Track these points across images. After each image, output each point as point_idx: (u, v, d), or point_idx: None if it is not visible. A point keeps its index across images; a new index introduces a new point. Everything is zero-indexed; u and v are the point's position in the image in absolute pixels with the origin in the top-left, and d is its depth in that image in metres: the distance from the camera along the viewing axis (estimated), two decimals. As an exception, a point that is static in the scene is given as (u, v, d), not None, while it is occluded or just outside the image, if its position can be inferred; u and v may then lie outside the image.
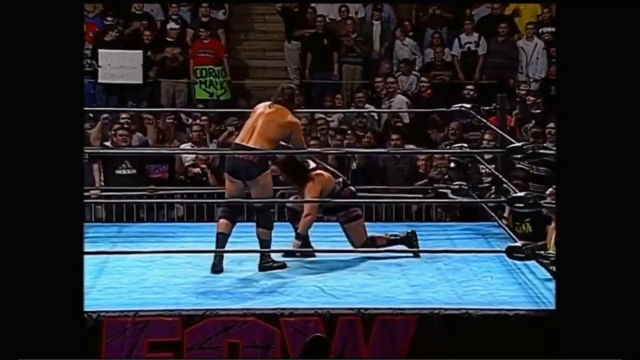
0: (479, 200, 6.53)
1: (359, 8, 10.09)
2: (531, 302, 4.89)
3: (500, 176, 6.31)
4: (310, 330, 4.56)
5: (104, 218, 7.18)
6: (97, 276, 5.31)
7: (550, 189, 5.29)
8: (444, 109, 7.46)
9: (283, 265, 5.45)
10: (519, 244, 5.15)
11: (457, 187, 6.69)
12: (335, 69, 9.62)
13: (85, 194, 7.11)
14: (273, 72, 9.84)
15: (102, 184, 7.39)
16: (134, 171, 7.33)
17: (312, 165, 5.72)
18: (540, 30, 9.57)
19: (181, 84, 9.53)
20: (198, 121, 8.26)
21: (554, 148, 5.26)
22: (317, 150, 7.60)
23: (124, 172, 7.32)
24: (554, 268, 4.93)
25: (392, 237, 5.79)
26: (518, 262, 5.36)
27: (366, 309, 4.71)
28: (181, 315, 4.66)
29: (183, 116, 8.73)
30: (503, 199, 5.70)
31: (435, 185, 7.06)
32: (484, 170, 6.94)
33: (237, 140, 5.42)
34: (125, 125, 7.77)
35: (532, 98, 8.72)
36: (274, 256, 5.51)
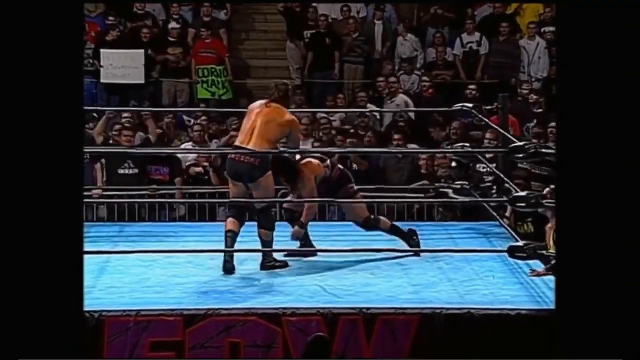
0: (481, 199, 6.53)
1: (361, 8, 10.09)
2: (533, 302, 4.88)
3: (502, 176, 6.30)
4: (312, 330, 4.55)
5: (106, 218, 7.18)
6: (98, 276, 5.31)
7: (548, 189, 5.28)
8: (446, 109, 7.46)
9: (285, 265, 5.46)
10: (520, 243, 5.15)
11: (459, 186, 6.69)
12: (336, 68, 9.62)
13: (87, 193, 7.13)
14: (275, 71, 9.84)
15: (104, 183, 7.39)
16: (136, 171, 7.34)
17: (297, 156, 5.71)
18: (542, 30, 9.56)
19: (183, 83, 9.54)
20: (199, 121, 8.26)
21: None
22: (318, 150, 7.61)
23: (127, 171, 7.32)
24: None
25: (395, 228, 5.76)
26: (520, 262, 5.35)
27: (368, 309, 4.71)
28: (183, 315, 4.66)
29: (185, 117, 8.73)
30: (505, 198, 5.69)
31: (437, 184, 7.06)
32: (485, 170, 6.93)
33: (237, 143, 5.39)
34: (127, 125, 7.77)
35: (534, 97, 8.72)
36: (276, 256, 5.51)
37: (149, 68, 9.24)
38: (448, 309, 4.72)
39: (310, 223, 5.80)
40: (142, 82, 9.16)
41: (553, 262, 4.92)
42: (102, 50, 9.20)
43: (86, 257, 5.41)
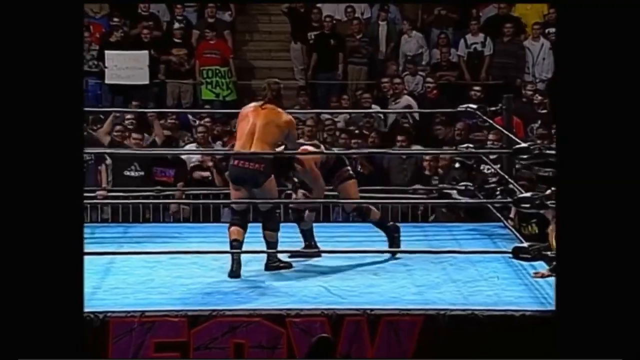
0: (484, 200, 6.52)
1: (365, 8, 10.09)
2: (537, 303, 4.88)
3: (506, 177, 6.30)
4: (316, 330, 4.56)
5: (110, 218, 7.19)
6: (103, 277, 5.32)
7: (549, 191, 5.28)
8: (450, 110, 7.45)
9: (289, 266, 5.46)
10: (525, 244, 5.14)
11: (463, 187, 6.68)
12: (340, 69, 9.62)
13: (92, 194, 7.15)
14: (279, 72, 9.81)
15: (109, 184, 7.40)
16: (142, 173, 7.34)
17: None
18: (546, 31, 9.56)
19: (187, 84, 9.54)
20: (203, 122, 8.26)
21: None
22: (320, 150, 7.61)
23: (132, 173, 7.33)
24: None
25: (383, 221, 5.76)
26: (524, 263, 5.35)
27: (372, 310, 4.71)
28: (187, 315, 4.67)
29: (190, 117, 8.73)
30: (509, 199, 5.69)
31: (440, 185, 7.06)
32: (489, 171, 6.93)
33: (238, 147, 5.33)
34: (130, 126, 7.78)
35: (539, 98, 8.71)
36: (280, 256, 5.51)
37: (153, 69, 9.24)
38: (452, 310, 4.72)
39: (315, 224, 5.81)
40: (147, 82, 9.17)
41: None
42: (106, 51, 9.21)
43: (90, 258, 5.48)
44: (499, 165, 6.64)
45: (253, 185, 5.29)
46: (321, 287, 5.15)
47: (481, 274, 5.42)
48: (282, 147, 5.46)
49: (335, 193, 5.78)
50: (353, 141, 7.92)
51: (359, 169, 7.58)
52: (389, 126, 8.80)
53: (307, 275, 5.41)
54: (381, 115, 8.83)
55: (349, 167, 5.78)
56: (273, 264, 5.40)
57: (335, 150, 6.53)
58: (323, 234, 5.92)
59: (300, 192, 5.73)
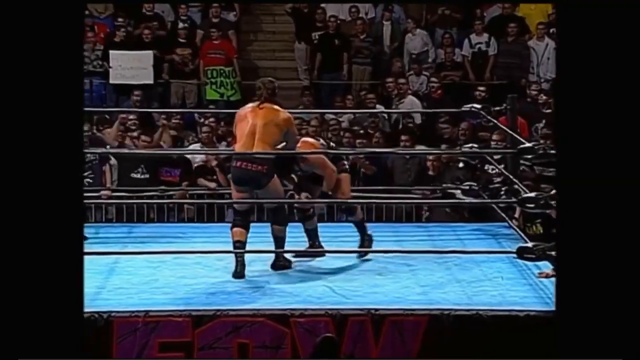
0: (489, 200, 6.52)
1: (369, 8, 10.08)
2: (541, 303, 4.87)
3: (511, 177, 6.29)
4: (320, 330, 4.56)
5: (115, 218, 7.20)
6: (107, 277, 5.32)
7: (553, 191, 5.27)
8: (454, 110, 7.44)
9: (289, 264, 5.44)
10: (529, 244, 5.13)
11: (467, 187, 6.68)
12: (344, 69, 9.62)
13: (96, 194, 7.16)
14: (283, 72, 9.84)
15: (114, 184, 7.41)
16: (148, 175, 7.33)
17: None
18: (551, 30, 9.54)
19: (191, 84, 9.55)
20: (207, 122, 8.27)
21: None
22: (324, 150, 7.60)
23: (139, 176, 7.34)
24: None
25: (363, 223, 5.77)
26: (529, 263, 5.34)
27: (376, 310, 4.71)
28: (191, 315, 4.67)
29: (197, 116, 8.72)
30: (514, 199, 5.68)
31: (444, 185, 7.05)
32: (494, 171, 6.92)
33: (240, 149, 5.30)
34: (133, 126, 7.78)
35: (543, 98, 8.70)
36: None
37: (157, 69, 9.25)
38: (456, 310, 4.72)
39: (319, 224, 5.80)
40: (151, 82, 9.18)
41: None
42: (110, 51, 9.22)
43: (94, 258, 5.49)
44: (503, 165, 6.63)
45: (256, 187, 5.29)
46: (325, 287, 5.14)
47: (485, 274, 5.41)
48: (282, 144, 5.43)
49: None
50: (358, 141, 7.91)
51: (362, 171, 7.58)
52: (391, 126, 8.78)
53: (312, 275, 5.41)
54: (385, 115, 8.82)
55: (345, 162, 5.78)
56: (280, 263, 5.38)
57: (341, 149, 6.52)
58: (327, 233, 5.91)
59: (304, 194, 5.72)
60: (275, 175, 5.34)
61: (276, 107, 5.37)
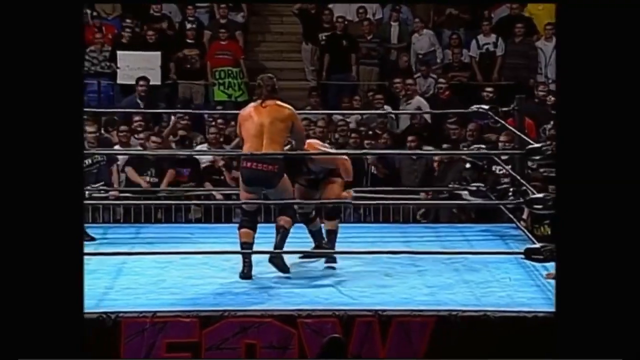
0: (497, 202, 6.51)
1: (377, 9, 10.08)
2: (550, 304, 4.84)
3: (519, 177, 6.28)
4: (327, 331, 4.56)
5: (122, 219, 7.21)
6: (115, 277, 5.34)
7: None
8: (462, 110, 7.43)
9: (286, 269, 5.34)
10: (537, 245, 5.12)
11: (474, 188, 6.67)
12: (353, 70, 9.62)
13: (104, 194, 7.17)
14: (290, 73, 9.84)
15: (121, 184, 7.42)
16: (157, 180, 7.33)
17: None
18: (558, 31, 9.50)
19: (198, 85, 9.56)
20: (215, 123, 8.28)
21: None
22: (332, 151, 7.59)
23: (148, 179, 7.33)
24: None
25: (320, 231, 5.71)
26: (536, 264, 5.33)
27: (383, 310, 4.71)
28: (199, 316, 4.68)
29: (206, 117, 8.73)
30: (521, 200, 5.67)
31: (451, 186, 7.04)
32: (501, 172, 6.91)
33: (250, 150, 5.25)
34: (139, 128, 7.78)
35: (552, 98, 8.67)
36: (290, 257, 5.50)
37: (163, 69, 9.26)
38: (464, 311, 4.71)
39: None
40: (159, 83, 9.20)
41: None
42: (118, 52, 9.24)
43: (102, 258, 5.50)
44: (510, 166, 6.62)
45: (268, 187, 5.26)
46: (332, 288, 5.15)
47: (493, 275, 5.40)
48: (288, 146, 5.41)
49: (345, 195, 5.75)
50: (366, 142, 7.90)
51: (372, 171, 7.56)
52: (404, 129, 8.74)
53: (318, 276, 5.41)
54: (393, 116, 8.82)
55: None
56: (277, 260, 5.30)
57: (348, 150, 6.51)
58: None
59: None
60: (286, 176, 5.32)
61: (279, 102, 5.35)
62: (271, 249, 5.44)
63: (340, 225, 5.71)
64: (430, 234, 6.50)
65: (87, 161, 7.20)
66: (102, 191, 6.95)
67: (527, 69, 9.44)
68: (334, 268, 5.48)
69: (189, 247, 5.92)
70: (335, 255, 5.62)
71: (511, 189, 6.52)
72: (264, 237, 5.50)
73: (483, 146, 7.00)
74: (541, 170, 5.99)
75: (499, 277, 5.38)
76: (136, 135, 7.89)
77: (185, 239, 6.27)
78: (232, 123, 8.31)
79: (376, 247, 5.86)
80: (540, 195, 5.30)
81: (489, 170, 7.08)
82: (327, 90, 9.58)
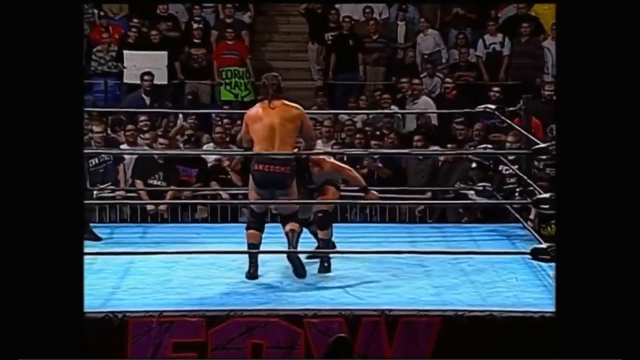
0: (504, 201, 6.50)
1: (383, 9, 10.08)
2: (556, 304, 4.85)
3: (526, 177, 6.27)
4: (333, 331, 4.56)
5: (129, 219, 7.22)
6: (122, 277, 5.35)
7: None
8: (469, 110, 7.43)
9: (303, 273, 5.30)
10: (543, 245, 5.11)
11: (480, 188, 6.66)
12: (360, 70, 9.61)
13: (111, 194, 7.19)
14: (296, 73, 9.85)
15: (127, 184, 7.43)
16: (165, 183, 7.31)
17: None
18: (565, 31, 9.48)
19: (204, 84, 9.57)
20: (221, 122, 8.28)
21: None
22: (338, 151, 7.61)
23: (156, 182, 7.33)
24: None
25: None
26: (543, 264, 5.32)
27: (390, 310, 4.71)
28: (205, 315, 4.68)
29: (214, 116, 8.74)
30: (528, 200, 5.66)
31: (457, 186, 7.03)
32: (508, 172, 6.90)
33: (261, 150, 5.19)
34: (144, 127, 7.79)
35: (559, 99, 8.64)
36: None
37: (169, 69, 9.27)
38: (470, 311, 4.71)
39: (333, 224, 5.78)
40: (165, 82, 9.21)
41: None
42: (124, 52, 9.26)
43: (109, 258, 5.51)
44: (517, 166, 6.61)
45: (281, 188, 5.22)
46: (339, 288, 5.15)
47: (500, 275, 5.40)
48: (295, 150, 5.39)
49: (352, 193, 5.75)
50: (372, 142, 7.89)
51: (376, 175, 7.55)
52: (411, 130, 8.72)
53: (325, 276, 5.41)
54: (400, 116, 8.81)
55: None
56: (297, 260, 5.24)
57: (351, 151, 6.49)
58: (341, 234, 5.91)
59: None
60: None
61: (286, 102, 5.31)
62: (277, 248, 5.43)
63: (346, 225, 5.70)
64: (437, 234, 6.49)
65: (94, 161, 7.23)
66: (108, 191, 6.96)
67: (534, 69, 9.43)
68: (327, 273, 5.44)
69: (195, 247, 5.93)
70: (335, 258, 5.56)
71: (518, 189, 6.50)
72: (271, 237, 5.51)
73: (489, 146, 6.98)
74: (548, 170, 5.98)
75: (506, 277, 5.37)
76: (142, 136, 7.89)
77: (191, 239, 6.27)
78: (239, 122, 8.36)
79: (382, 247, 5.86)
80: (547, 195, 5.28)
81: (495, 170, 7.07)
82: (334, 89, 9.58)
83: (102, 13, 9.94)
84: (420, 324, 4.66)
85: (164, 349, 4.64)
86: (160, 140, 7.54)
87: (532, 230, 5.94)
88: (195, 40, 9.63)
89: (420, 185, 7.48)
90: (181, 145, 7.86)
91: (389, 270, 5.52)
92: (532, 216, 6.27)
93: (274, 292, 5.11)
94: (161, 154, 7.36)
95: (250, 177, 5.31)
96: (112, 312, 4.65)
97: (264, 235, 5.38)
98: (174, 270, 5.49)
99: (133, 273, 5.43)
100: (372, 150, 7.61)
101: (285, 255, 5.44)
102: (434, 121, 8.77)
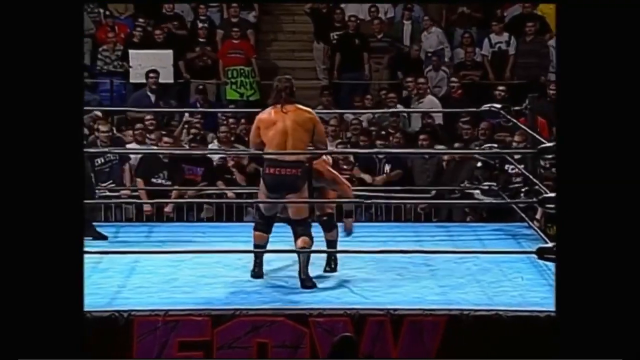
0: (510, 201, 6.49)
1: (389, 8, 10.08)
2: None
3: (531, 177, 6.26)
4: (339, 330, 4.56)
5: (134, 218, 7.23)
6: (128, 276, 5.35)
7: None
8: (474, 109, 7.42)
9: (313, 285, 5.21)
10: (550, 245, 5.10)
11: (486, 187, 6.65)
12: (366, 69, 9.61)
13: (116, 194, 7.19)
14: (302, 72, 9.85)
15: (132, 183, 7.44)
16: (169, 182, 7.31)
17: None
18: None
19: (210, 84, 9.57)
20: (226, 122, 8.29)
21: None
22: (345, 150, 7.61)
23: (160, 181, 7.32)
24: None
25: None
26: (549, 264, 5.31)
27: (395, 310, 4.70)
28: (211, 314, 4.69)
29: (220, 115, 8.75)
30: (534, 199, 5.65)
31: (463, 185, 7.02)
32: (514, 171, 6.89)
33: (273, 155, 5.13)
34: (150, 127, 7.81)
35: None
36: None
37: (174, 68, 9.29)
38: (476, 310, 4.70)
39: (338, 223, 5.78)
40: (171, 81, 9.22)
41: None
42: (130, 51, 9.27)
43: (115, 257, 5.52)
44: (523, 166, 6.60)
45: (291, 191, 5.16)
46: (344, 287, 5.14)
47: (505, 275, 5.39)
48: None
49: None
50: (378, 142, 7.89)
51: (386, 171, 7.53)
52: (418, 129, 8.71)
53: (330, 275, 5.40)
54: (405, 115, 8.81)
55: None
56: (309, 283, 5.13)
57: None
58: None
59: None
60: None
61: (299, 106, 5.25)
62: (282, 247, 5.43)
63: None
64: (442, 234, 6.49)
65: (100, 160, 7.25)
66: (113, 190, 6.97)
67: (540, 68, 9.42)
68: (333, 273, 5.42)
69: (201, 246, 5.93)
70: (340, 258, 5.54)
71: (524, 188, 6.49)
72: (277, 236, 5.50)
73: (495, 145, 6.97)
74: (553, 169, 5.97)
75: (511, 276, 5.36)
76: (148, 135, 7.90)
77: (197, 238, 6.28)
78: (243, 121, 8.36)
79: (388, 246, 5.85)
80: (553, 194, 5.27)
81: (501, 170, 7.06)
82: (339, 89, 9.58)
83: (107, 12, 9.96)
84: (426, 323, 4.65)
85: (170, 348, 4.64)
86: (165, 139, 7.53)
87: (538, 230, 5.93)
88: (200, 40, 9.64)
89: (426, 185, 7.47)
90: (186, 145, 7.86)
91: (395, 269, 5.51)
92: (538, 216, 6.27)
93: (280, 291, 5.11)
94: (167, 152, 7.36)
95: (261, 180, 5.25)
96: (117, 311, 4.65)
97: (271, 235, 5.37)
98: (180, 269, 5.49)
99: (139, 272, 5.43)
100: (377, 149, 7.60)
101: (290, 255, 5.44)
102: (440, 120, 8.77)
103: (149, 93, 8.83)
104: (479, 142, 7.66)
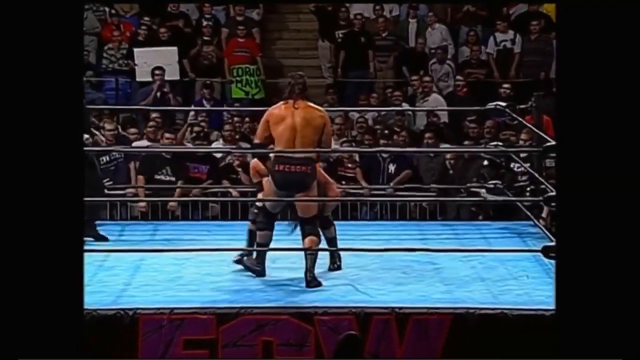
0: (515, 199, 6.48)
1: (394, 6, 10.07)
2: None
3: (537, 175, 6.25)
4: (344, 329, 4.55)
5: (140, 216, 7.24)
6: (133, 274, 5.36)
7: None
8: (479, 107, 7.41)
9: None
10: (555, 243, 5.09)
11: (492, 186, 6.64)
12: (371, 67, 9.61)
13: (122, 192, 7.20)
14: (307, 70, 9.78)
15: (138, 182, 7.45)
16: (173, 178, 7.30)
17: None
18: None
19: (215, 82, 9.58)
20: (231, 120, 8.29)
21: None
22: (349, 149, 7.60)
23: (163, 177, 7.32)
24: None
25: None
26: (554, 262, 5.30)
27: (400, 308, 4.70)
28: (216, 313, 4.69)
29: (226, 114, 8.75)
30: (540, 197, 5.64)
31: (469, 184, 7.02)
32: (519, 170, 6.88)
33: (282, 153, 5.12)
34: (154, 124, 7.83)
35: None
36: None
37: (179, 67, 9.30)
38: (481, 309, 4.70)
39: (343, 222, 5.79)
40: (177, 78, 9.23)
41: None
42: (135, 49, 9.28)
43: (120, 255, 5.53)
44: (529, 164, 6.59)
45: (302, 188, 5.14)
46: (349, 285, 5.14)
47: (511, 273, 5.38)
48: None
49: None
50: (382, 141, 7.88)
51: (390, 170, 7.52)
52: (423, 127, 8.71)
53: (335, 274, 5.40)
54: (410, 113, 8.80)
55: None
56: (315, 282, 5.13)
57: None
58: (351, 232, 5.91)
59: None
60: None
61: (310, 104, 5.22)
62: (284, 246, 5.43)
63: (356, 222, 5.69)
64: (448, 232, 6.48)
65: (105, 159, 7.26)
66: (118, 189, 6.98)
67: (545, 66, 9.40)
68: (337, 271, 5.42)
69: (206, 244, 5.94)
70: (345, 256, 5.53)
71: (529, 187, 6.48)
72: (281, 234, 5.50)
73: (501, 144, 6.96)
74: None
75: (517, 275, 5.35)
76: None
77: (202, 236, 6.28)
78: (248, 120, 8.36)
79: (393, 244, 5.85)
80: (559, 192, 5.26)
81: (507, 168, 7.05)
82: (345, 87, 9.57)
83: (113, 11, 9.97)
84: (431, 321, 4.65)
85: (175, 346, 4.65)
86: (167, 135, 7.51)
87: (544, 228, 5.92)
88: (205, 38, 9.64)
89: (431, 183, 7.46)
90: (189, 143, 7.86)
91: (400, 267, 5.51)
92: (544, 214, 6.25)
93: (284, 289, 5.11)
94: (172, 150, 7.36)
95: (270, 178, 5.23)
96: (123, 309, 4.66)
97: (274, 232, 5.37)
98: (185, 267, 5.50)
99: (144, 270, 5.44)
100: (381, 148, 7.59)
101: (295, 253, 5.44)
102: (445, 119, 8.76)
103: (156, 92, 8.81)
104: (485, 140, 7.66)
